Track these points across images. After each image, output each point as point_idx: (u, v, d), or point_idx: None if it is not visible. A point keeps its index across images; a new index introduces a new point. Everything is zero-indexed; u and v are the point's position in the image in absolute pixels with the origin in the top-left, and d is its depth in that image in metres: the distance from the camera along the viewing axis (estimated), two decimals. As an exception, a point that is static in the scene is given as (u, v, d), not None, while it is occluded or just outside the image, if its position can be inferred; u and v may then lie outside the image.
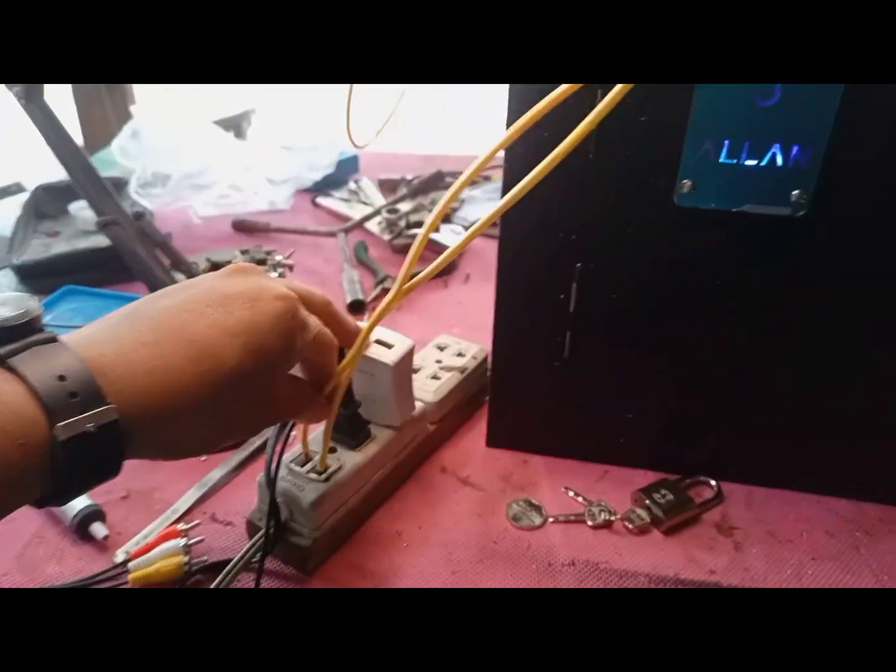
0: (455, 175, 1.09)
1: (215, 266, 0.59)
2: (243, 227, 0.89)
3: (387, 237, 0.85)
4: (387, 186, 1.06)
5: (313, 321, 0.35)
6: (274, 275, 0.58)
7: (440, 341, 0.59)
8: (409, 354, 0.46)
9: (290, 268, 0.59)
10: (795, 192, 0.39)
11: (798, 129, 0.37)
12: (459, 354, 0.57)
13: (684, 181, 0.40)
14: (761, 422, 0.47)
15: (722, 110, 0.38)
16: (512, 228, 0.45)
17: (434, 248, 0.84)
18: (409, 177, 1.06)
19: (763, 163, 0.38)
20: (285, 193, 0.94)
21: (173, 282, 0.54)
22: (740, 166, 0.39)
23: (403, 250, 0.85)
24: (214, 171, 0.93)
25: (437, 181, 0.99)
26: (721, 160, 0.39)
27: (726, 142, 0.38)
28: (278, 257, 0.57)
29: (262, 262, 0.59)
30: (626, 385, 0.48)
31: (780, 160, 0.38)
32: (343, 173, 1.06)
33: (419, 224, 0.84)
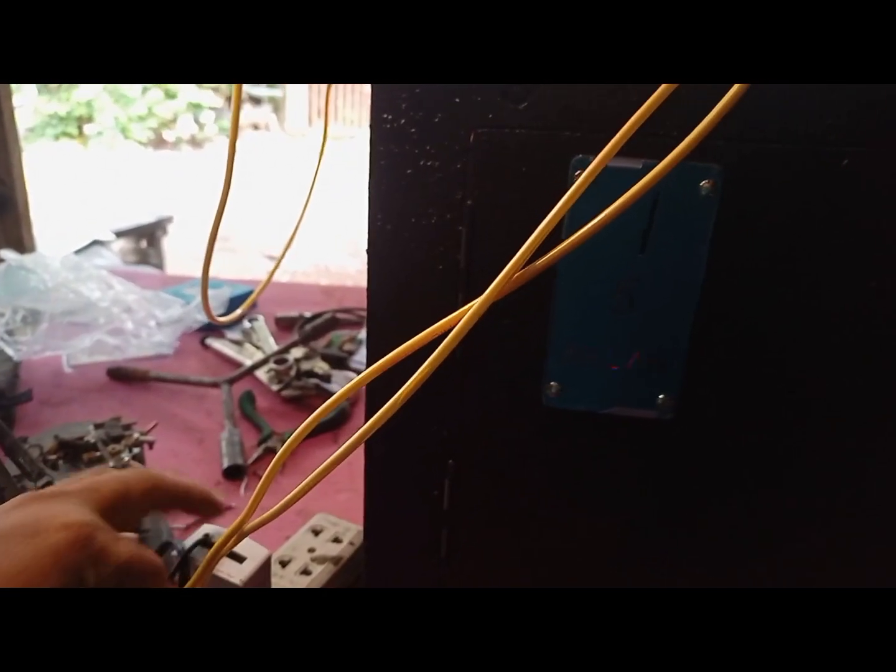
0: (354, 312, 1.07)
1: (64, 445, 0.53)
2: (120, 375, 0.83)
3: (275, 387, 0.81)
4: (283, 324, 1.03)
5: (120, 549, 0.30)
6: (127, 456, 0.53)
7: (315, 523, 0.54)
8: (265, 566, 0.41)
9: (150, 445, 0.54)
10: (661, 396, 0.38)
11: (658, 336, 0.37)
12: (336, 540, 0.53)
13: (551, 384, 0.39)
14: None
15: (582, 318, 0.37)
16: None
17: (325, 395, 0.81)
18: (307, 314, 1.04)
19: (627, 367, 0.38)
20: (170, 337, 0.90)
21: None
22: (606, 370, 0.38)
23: (294, 401, 0.81)
24: (93, 311, 0.88)
25: (330, 327, 0.97)
26: (586, 365, 0.38)
27: (590, 347, 0.37)
28: (136, 434, 0.52)
29: (118, 439, 0.54)
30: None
31: (643, 365, 0.37)
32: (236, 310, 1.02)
33: (310, 373, 0.81)
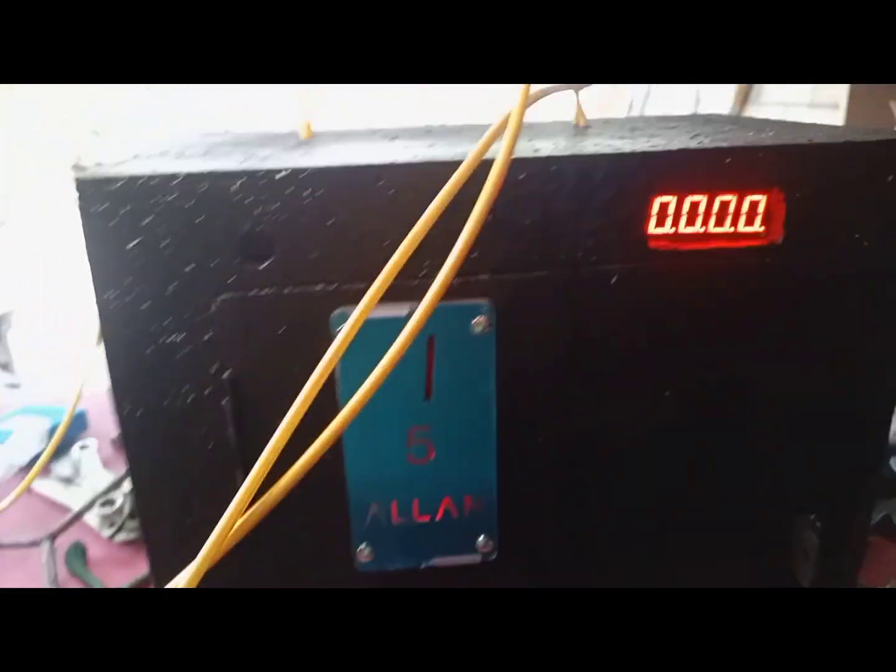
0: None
1: None
2: (-83, 552, 0.71)
3: (107, 533, 0.72)
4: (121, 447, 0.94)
5: None
6: None
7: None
8: None
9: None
10: (481, 539, 0.35)
11: (464, 479, 0.34)
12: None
13: (361, 547, 0.35)
14: None
15: (379, 474, 0.33)
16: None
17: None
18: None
19: (438, 518, 0.34)
20: (-19, 491, 0.78)
21: None
22: (416, 524, 0.34)
23: (131, 544, 0.73)
24: None
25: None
26: (394, 522, 0.34)
27: (393, 503, 0.34)
28: None
29: None
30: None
31: (455, 512, 0.34)
32: (67, 437, 0.92)
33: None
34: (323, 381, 0.28)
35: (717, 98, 2.00)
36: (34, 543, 0.72)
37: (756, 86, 1.93)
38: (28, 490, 0.85)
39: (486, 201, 0.23)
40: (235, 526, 0.23)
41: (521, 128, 0.25)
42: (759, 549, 0.36)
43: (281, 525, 0.34)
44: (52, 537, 0.71)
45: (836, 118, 1.71)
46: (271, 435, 0.28)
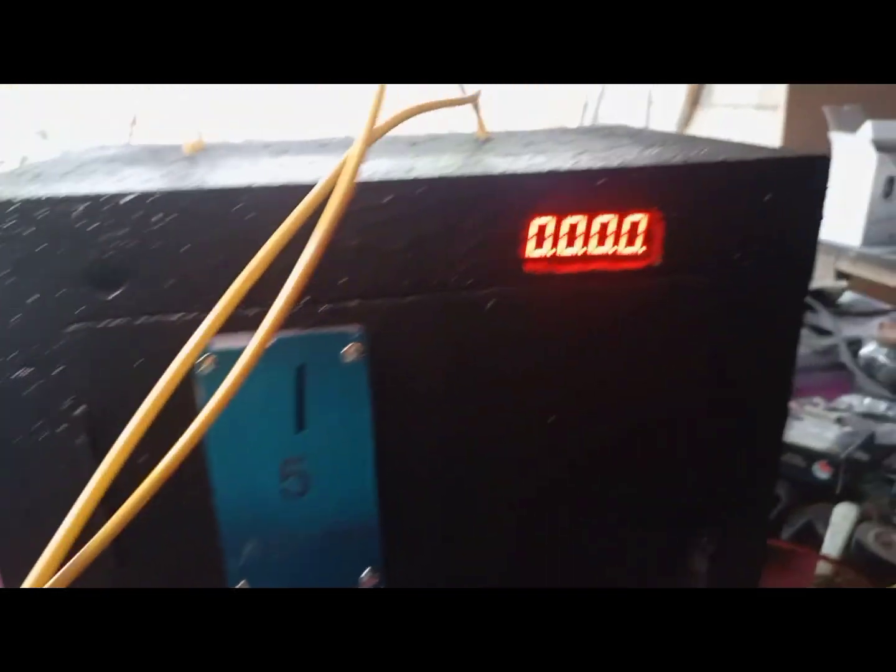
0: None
1: None
2: None
3: None
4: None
5: None
6: None
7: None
8: None
9: None
10: (366, 573, 0.34)
11: (343, 512, 0.32)
12: None
13: (239, 585, 0.33)
14: None
15: (252, 510, 0.32)
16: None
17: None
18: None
19: (319, 551, 0.33)
20: None
21: None
22: (296, 559, 0.33)
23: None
24: None
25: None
26: (272, 557, 0.33)
27: (270, 538, 0.32)
28: None
29: None
30: None
31: (336, 546, 0.33)
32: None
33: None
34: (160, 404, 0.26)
35: (669, 99, 2.02)
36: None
37: (707, 87, 1.96)
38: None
39: (325, 229, 0.22)
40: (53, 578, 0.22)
41: (367, 147, 0.23)
42: (653, 572, 0.36)
43: (154, 565, 0.32)
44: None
45: (777, 120, 1.74)
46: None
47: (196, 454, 0.30)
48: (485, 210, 0.29)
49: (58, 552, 0.21)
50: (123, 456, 0.23)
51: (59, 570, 0.22)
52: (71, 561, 0.23)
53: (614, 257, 0.31)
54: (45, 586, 0.21)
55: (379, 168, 0.30)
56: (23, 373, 0.28)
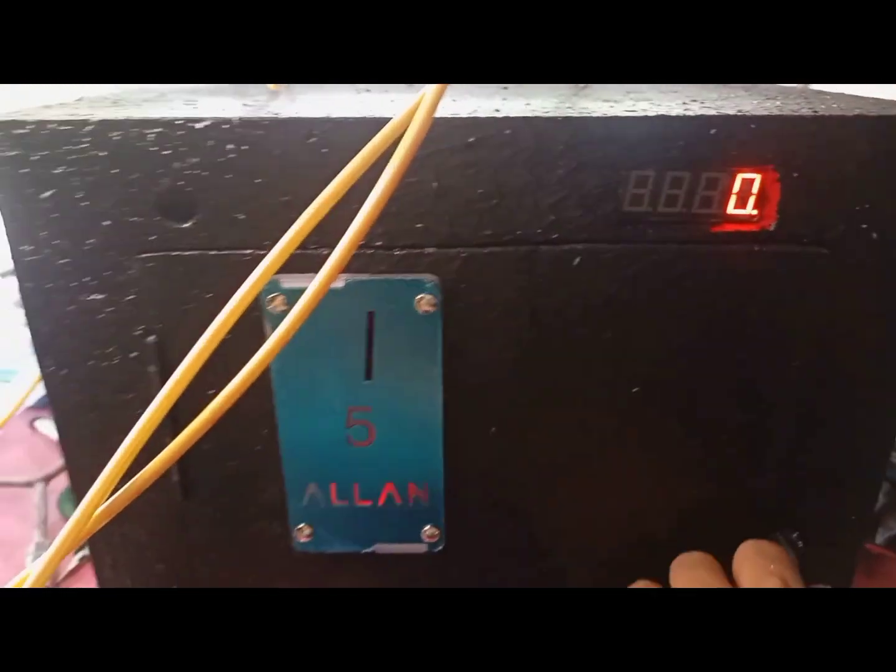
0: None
1: None
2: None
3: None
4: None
5: None
6: None
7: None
8: None
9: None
10: (426, 528, 0.33)
11: (408, 465, 0.31)
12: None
13: (299, 527, 0.33)
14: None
15: (316, 454, 0.31)
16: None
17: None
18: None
19: (380, 503, 0.32)
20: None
21: None
22: (357, 508, 0.32)
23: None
24: None
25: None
26: (333, 503, 0.32)
27: (332, 484, 0.32)
28: None
29: None
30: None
31: (398, 499, 0.32)
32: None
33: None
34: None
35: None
36: (28, 484, 0.72)
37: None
38: (33, 428, 0.86)
39: (398, 166, 0.20)
40: (105, 505, 0.21)
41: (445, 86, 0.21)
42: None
43: (219, 501, 0.32)
44: (47, 479, 0.72)
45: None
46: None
47: (265, 393, 0.29)
48: (577, 157, 0.27)
49: (117, 469, 0.21)
50: (186, 380, 0.22)
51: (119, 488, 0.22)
52: (133, 479, 0.22)
53: (721, 218, 0.28)
54: (107, 503, 0.21)
55: (464, 107, 0.28)
56: (97, 297, 0.28)
